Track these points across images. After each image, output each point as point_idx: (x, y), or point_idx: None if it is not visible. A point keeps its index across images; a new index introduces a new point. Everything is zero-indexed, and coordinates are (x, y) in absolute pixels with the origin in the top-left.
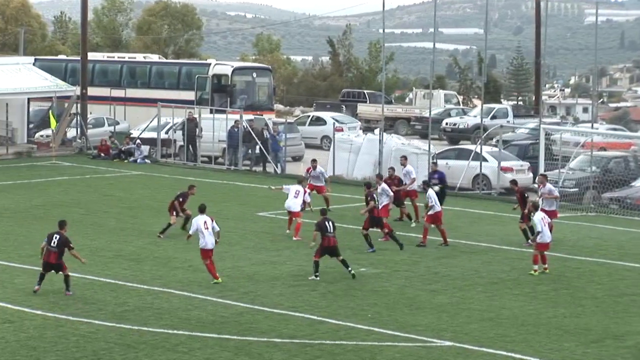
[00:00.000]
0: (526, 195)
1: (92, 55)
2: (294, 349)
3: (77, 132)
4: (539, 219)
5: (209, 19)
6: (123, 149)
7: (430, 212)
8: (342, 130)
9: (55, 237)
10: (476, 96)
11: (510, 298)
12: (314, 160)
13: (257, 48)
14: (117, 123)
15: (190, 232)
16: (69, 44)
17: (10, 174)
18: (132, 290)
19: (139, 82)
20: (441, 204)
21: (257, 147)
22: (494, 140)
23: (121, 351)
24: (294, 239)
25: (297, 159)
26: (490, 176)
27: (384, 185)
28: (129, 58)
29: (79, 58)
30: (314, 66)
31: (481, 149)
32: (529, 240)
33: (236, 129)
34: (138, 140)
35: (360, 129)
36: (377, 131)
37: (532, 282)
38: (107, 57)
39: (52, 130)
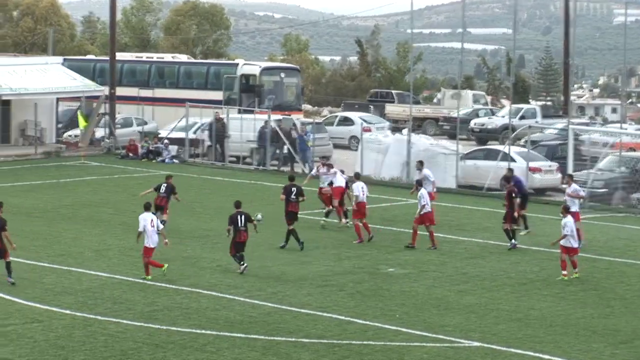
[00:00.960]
0: (513, 195)
1: (120, 55)
2: (322, 349)
3: (105, 132)
4: (570, 222)
5: (237, 19)
6: (151, 148)
7: (421, 212)
8: (370, 130)
9: None
10: (504, 96)
11: (538, 299)
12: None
13: (286, 48)
14: (146, 123)
15: (140, 229)
16: (98, 44)
17: (39, 174)
18: (161, 290)
19: (167, 82)
20: (523, 208)
21: (285, 147)
22: (523, 140)
23: (149, 351)
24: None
25: (325, 159)
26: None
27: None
28: (157, 58)
29: (108, 58)
30: (342, 66)
31: (509, 149)
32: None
33: (266, 129)
34: (166, 140)
35: (389, 129)
36: (405, 131)
37: (561, 283)
38: (136, 57)
39: (81, 130)
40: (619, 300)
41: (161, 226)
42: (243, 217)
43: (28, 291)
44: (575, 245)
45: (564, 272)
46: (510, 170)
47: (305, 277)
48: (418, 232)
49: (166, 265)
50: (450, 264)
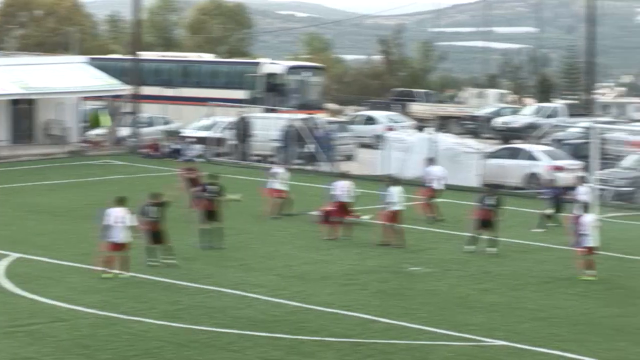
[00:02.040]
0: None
1: (144, 55)
2: (346, 348)
3: (129, 131)
4: (586, 220)
5: (261, 18)
6: (174, 147)
7: (387, 209)
8: (393, 129)
9: None
10: (529, 95)
11: (563, 297)
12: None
13: (309, 47)
14: (170, 122)
15: (105, 223)
16: (122, 43)
17: (64, 173)
18: (184, 289)
19: (191, 81)
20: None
21: (309, 146)
22: (547, 138)
23: (173, 350)
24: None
25: (348, 158)
26: (543, 175)
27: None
28: (181, 57)
29: (132, 57)
30: (365, 65)
31: (535, 148)
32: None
33: (290, 128)
34: (191, 139)
35: (413, 128)
36: (429, 130)
37: (585, 282)
38: (160, 56)
39: (103, 129)
40: None
41: (134, 222)
42: (154, 208)
43: (52, 290)
44: (592, 244)
45: (587, 272)
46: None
47: (329, 276)
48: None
49: (115, 273)
50: (473, 263)
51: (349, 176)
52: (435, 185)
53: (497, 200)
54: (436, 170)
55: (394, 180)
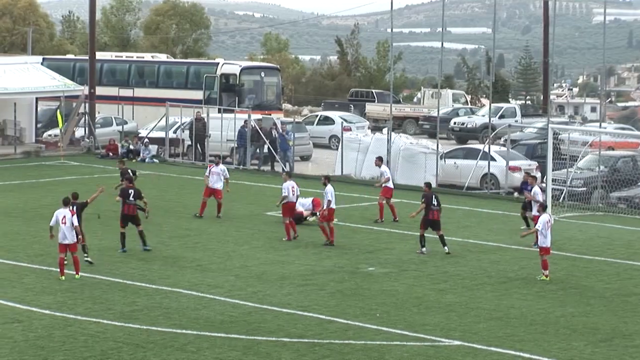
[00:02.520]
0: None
1: (100, 55)
2: (302, 349)
3: (85, 131)
4: (543, 219)
5: (217, 18)
6: (131, 148)
7: (326, 208)
8: (350, 129)
9: None
10: (484, 95)
11: (518, 297)
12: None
13: (266, 47)
14: (125, 122)
15: (51, 224)
16: (77, 43)
17: (19, 174)
18: (141, 290)
19: (147, 82)
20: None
21: (266, 146)
22: (502, 139)
23: (130, 350)
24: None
25: (305, 158)
26: (499, 175)
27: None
28: (137, 57)
29: (87, 57)
30: (322, 65)
31: (489, 148)
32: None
33: (245, 129)
34: (146, 140)
35: (369, 128)
36: (385, 131)
37: (541, 282)
38: (115, 56)
39: (60, 130)
40: (598, 299)
41: (75, 223)
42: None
43: (7, 291)
44: (545, 244)
45: (544, 272)
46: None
47: (286, 277)
48: (327, 228)
49: (62, 278)
50: (430, 263)
51: (293, 176)
52: (390, 184)
53: (438, 200)
54: (387, 170)
55: (288, 174)
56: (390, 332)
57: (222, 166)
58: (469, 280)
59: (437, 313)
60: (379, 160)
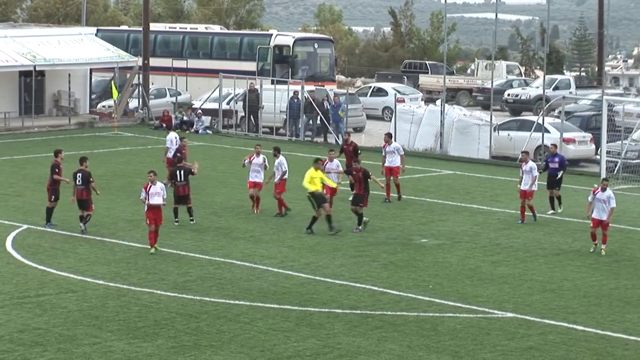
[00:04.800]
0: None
1: (154, 26)
2: (355, 320)
3: (139, 102)
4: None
5: None
6: (185, 119)
7: (282, 179)
8: (403, 101)
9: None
10: (538, 67)
11: (572, 269)
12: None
13: (319, 19)
14: (179, 94)
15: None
16: (131, 14)
17: (73, 145)
18: (194, 261)
19: (201, 53)
20: (557, 188)
21: (318, 118)
22: (556, 111)
23: (183, 321)
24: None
25: (358, 129)
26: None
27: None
28: (190, 29)
29: (141, 29)
30: (375, 37)
31: (543, 120)
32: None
33: (296, 100)
34: (199, 111)
35: (422, 100)
36: (438, 102)
37: (595, 254)
38: (169, 27)
39: (114, 101)
40: None
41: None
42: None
43: (62, 261)
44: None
45: (595, 243)
46: (554, 145)
47: (339, 248)
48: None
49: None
50: (483, 235)
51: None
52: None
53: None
54: (399, 146)
55: (278, 150)
56: (443, 303)
57: (262, 156)
58: (522, 252)
59: (490, 285)
60: (389, 137)
